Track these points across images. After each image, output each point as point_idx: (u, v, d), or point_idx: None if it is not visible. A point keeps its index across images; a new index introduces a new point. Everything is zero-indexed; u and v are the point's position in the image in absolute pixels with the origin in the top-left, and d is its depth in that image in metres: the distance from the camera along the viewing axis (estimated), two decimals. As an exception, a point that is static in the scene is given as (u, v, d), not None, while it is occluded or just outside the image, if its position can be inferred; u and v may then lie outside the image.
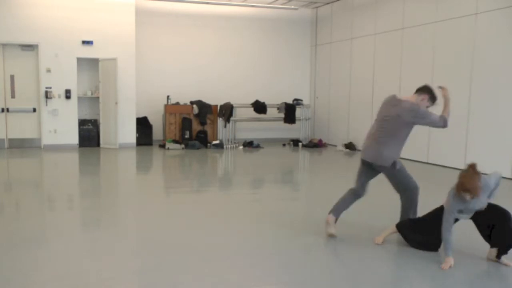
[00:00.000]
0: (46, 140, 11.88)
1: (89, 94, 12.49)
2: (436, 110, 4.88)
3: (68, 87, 11.89)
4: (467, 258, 4.46)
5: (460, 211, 4.34)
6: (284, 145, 13.54)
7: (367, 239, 4.96)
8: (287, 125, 13.51)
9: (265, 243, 4.88)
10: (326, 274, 4.05)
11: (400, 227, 4.78)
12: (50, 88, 11.76)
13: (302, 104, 13.67)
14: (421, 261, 4.38)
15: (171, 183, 8.64)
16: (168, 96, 12.94)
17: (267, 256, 4.51)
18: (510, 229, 4.26)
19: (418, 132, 10.47)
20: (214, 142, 12.80)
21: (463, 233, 4.72)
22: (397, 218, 4.95)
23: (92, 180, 8.63)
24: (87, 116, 12.59)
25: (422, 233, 4.62)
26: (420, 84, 9.67)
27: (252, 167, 10.38)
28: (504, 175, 8.34)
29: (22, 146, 11.84)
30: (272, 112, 13.30)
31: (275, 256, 4.52)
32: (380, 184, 5.41)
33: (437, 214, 4.50)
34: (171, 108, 12.86)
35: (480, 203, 4.29)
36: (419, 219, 4.76)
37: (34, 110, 11.91)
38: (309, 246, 4.83)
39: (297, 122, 13.44)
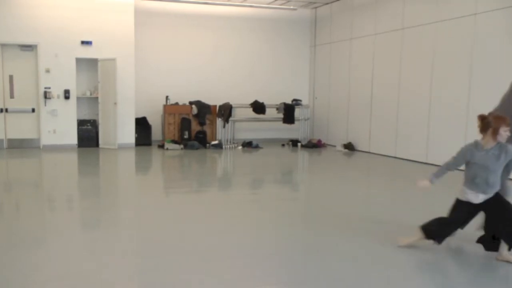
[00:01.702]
0: (45, 140, 11.88)
1: (88, 94, 12.49)
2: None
3: (67, 87, 11.88)
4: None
5: (470, 161, 4.30)
6: (283, 145, 13.54)
7: (368, 238, 4.96)
8: (286, 125, 13.51)
9: (265, 243, 4.88)
10: (326, 274, 4.05)
11: (430, 232, 4.54)
12: (49, 88, 11.75)
13: (301, 104, 13.68)
14: (418, 260, 4.38)
15: (170, 184, 8.64)
16: (167, 97, 12.93)
17: (267, 256, 4.51)
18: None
19: (417, 132, 10.52)
20: (213, 142, 12.80)
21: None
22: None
23: (92, 180, 8.62)
24: (86, 116, 12.59)
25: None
26: (419, 83, 9.70)
27: (251, 167, 10.38)
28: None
29: (21, 147, 11.83)
30: (271, 112, 13.29)
31: (275, 256, 4.52)
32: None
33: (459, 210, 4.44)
34: (170, 109, 12.86)
35: (505, 155, 4.19)
36: (448, 221, 4.50)
37: (33, 110, 11.90)
38: (309, 246, 4.83)
39: (296, 122, 13.45)
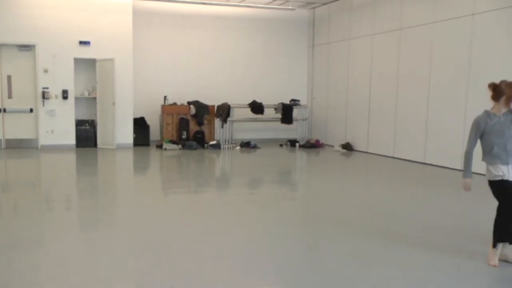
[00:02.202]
0: (43, 140, 11.87)
1: (86, 94, 12.48)
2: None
3: (65, 88, 11.87)
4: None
5: (485, 131, 4.20)
6: (281, 145, 13.55)
7: (367, 237, 4.97)
8: (284, 126, 13.51)
9: (264, 243, 4.88)
10: (325, 274, 4.06)
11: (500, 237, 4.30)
12: (47, 88, 11.75)
13: (299, 105, 13.68)
14: (418, 259, 4.39)
15: (168, 184, 8.64)
16: (165, 97, 12.93)
17: (266, 256, 4.51)
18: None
19: (415, 132, 10.53)
20: (211, 142, 12.80)
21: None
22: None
23: (90, 180, 8.62)
24: (84, 116, 12.58)
25: None
26: (417, 84, 9.69)
27: (250, 167, 10.38)
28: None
29: (19, 147, 11.82)
30: (269, 112, 13.30)
31: (274, 256, 4.52)
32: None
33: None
34: (168, 109, 12.86)
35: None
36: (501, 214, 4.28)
37: (31, 110, 11.88)
38: (309, 246, 4.84)
39: (294, 122, 13.45)
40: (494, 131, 4.20)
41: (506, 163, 4.21)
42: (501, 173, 4.22)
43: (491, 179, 4.28)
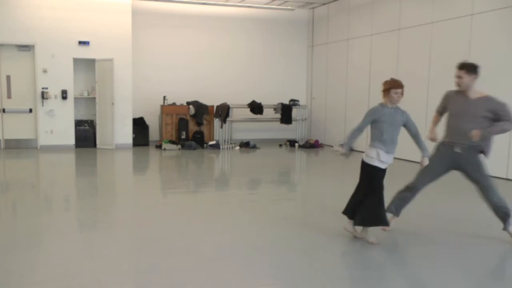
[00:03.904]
0: (42, 140, 11.86)
1: (85, 94, 12.49)
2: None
3: (64, 88, 11.87)
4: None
5: (379, 119, 4.83)
6: (280, 145, 13.56)
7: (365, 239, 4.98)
8: (284, 126, 13.53)
9: (263, 243, 4.89)
10: (325, 274, 4.07)
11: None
12: (47, 88, 11.75)
13: (298, 105, 13.70)
14: (417, 260, 4.40)
15: (168, 184, 8.64)
16: (164, 97, 12.93)
17: (265, 256, 4.52)
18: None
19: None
20: (211, 142, 12.81)
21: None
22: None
23: (89, 181, 8.62)
24: (84, 116, 12.58)
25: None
26: (416, 84, 9.70)
27: (249, 167, 10.39)
28: (498, 175, 8.40)
29: (18, 147, 11.82)
30: (268, 112, 13.32)
31: (273, 256, 4.53)
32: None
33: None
34: (167, 109, 12.86)
35: (402, 116, 4.96)
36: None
37: (30, 110, 11.89)
38: (308, 246, 4.85)
39: (293, 122, 13.47)
40: (385, 121, 4.79)
41: (390, 152, 4.80)
42: (377, 161, 4.77)
43: (368, 161, 4.86)
